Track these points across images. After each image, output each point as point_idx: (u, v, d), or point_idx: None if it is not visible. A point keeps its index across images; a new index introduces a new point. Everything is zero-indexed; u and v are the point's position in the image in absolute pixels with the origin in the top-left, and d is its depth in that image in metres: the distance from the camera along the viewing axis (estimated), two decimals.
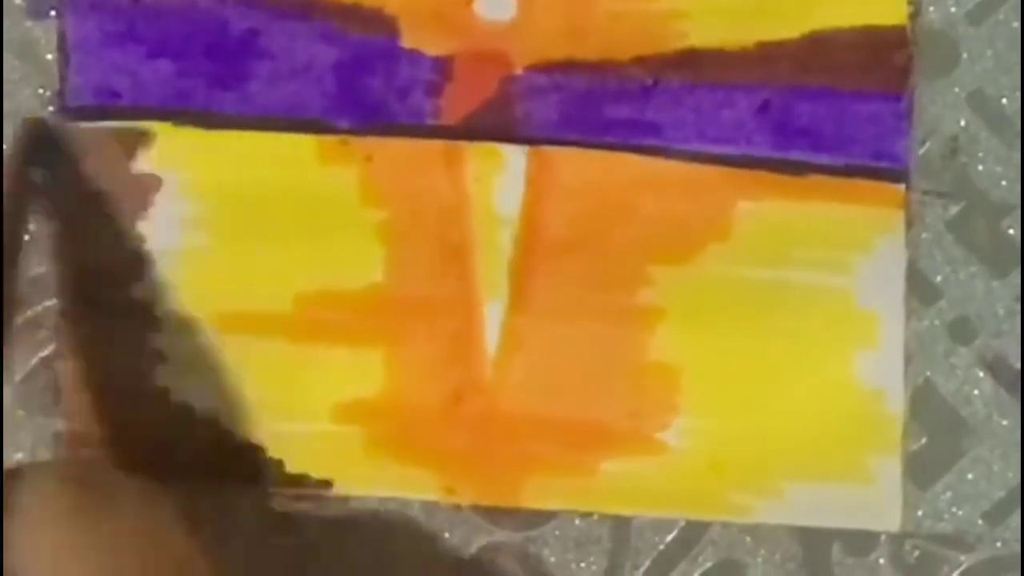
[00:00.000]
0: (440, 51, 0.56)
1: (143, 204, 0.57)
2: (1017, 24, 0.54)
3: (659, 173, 0.55)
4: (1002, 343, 0.54)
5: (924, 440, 0.54)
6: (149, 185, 0.57)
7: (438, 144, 0.56)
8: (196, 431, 0.57)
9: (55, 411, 0.57)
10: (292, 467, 0.56)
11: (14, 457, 0.57)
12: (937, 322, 0.54)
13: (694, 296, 0.55)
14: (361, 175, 0.56)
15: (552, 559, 0.56)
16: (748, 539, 0.55)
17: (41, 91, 0.57)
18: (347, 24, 0.56)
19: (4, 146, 0.57)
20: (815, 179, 0.54)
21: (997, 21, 0.54)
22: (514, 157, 0.55)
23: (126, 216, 0.57)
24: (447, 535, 0.56)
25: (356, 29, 0.56)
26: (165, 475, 0.56)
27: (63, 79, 0.57)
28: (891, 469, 0.54)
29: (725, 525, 0.55)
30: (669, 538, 0.55)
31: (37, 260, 0.57)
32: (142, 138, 0.57)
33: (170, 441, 0.57)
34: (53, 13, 0.57)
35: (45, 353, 0.57)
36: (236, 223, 0.56)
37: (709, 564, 0.55)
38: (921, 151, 0.54)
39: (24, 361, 0.57)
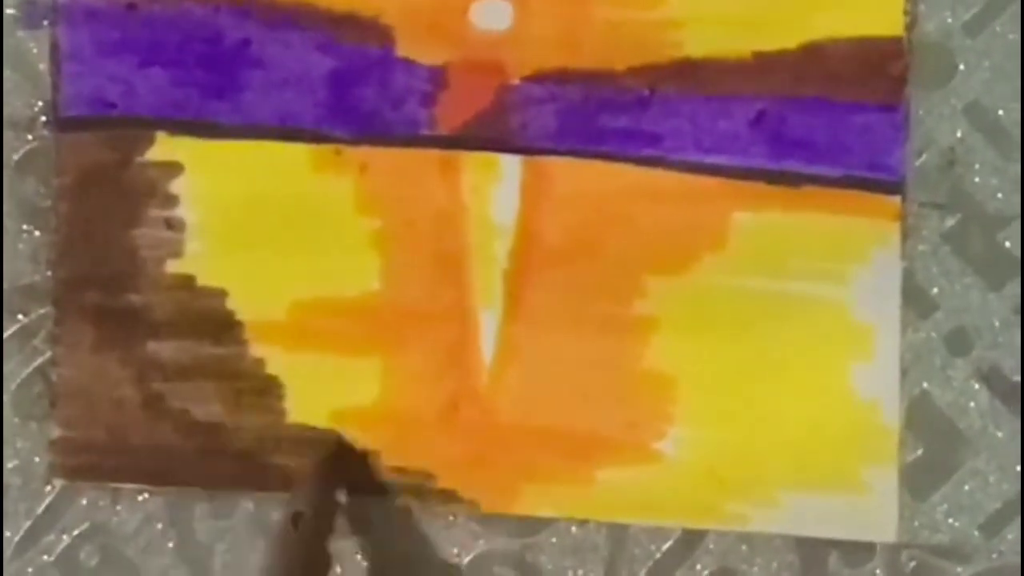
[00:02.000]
0: (435, 60, 0.55)
1: (137, 213, 0.57)
2: (1014, 36, 0.54)
3: (655, 183, 0.55)
4: (998, 355, 0.54)
5: (920, 451, 0.54)
6: (143, 194, 0.56)
7: (433, 153, 0.55)
8: (191, 438, 0.57)
9: (50, 418, 0.57)
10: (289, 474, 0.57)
11: (8, 464, 0.57)
12: (933, 334, 0.54)
13: (690, 306, 0.55)
14: (355, 184, 0.56)
15: (549, 566, 0.56)
16: (745, 548, 0.55)
17: (33, 102, 0.57)
18: (341, 33, 0.56)
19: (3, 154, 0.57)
20: (811, 190, 0.54)
21: (994, 32, 0.54)
22: (510, 167, 0.55)
23: (120, 224, 0.57)
24: (444, 542, 0.56)
25: (350, 38, 0.56)
26: (159, 482, 0.57)
27: (56, 89, 0.56)
28: (887, 480, 0.54)
29: (722, 534, 0.55)
30: (666, 546, 0.55)
31: (32, 268, 0.57)
32: (136, 147, 0.56)
33: (165, 448, 0.57)
34: (46, 23, 0.56)
35: (40, 361, 0.57)
36: (231, 232, 0.56)
37: (706, 573, 0.55)
38: (917, 162, 0.54)
39: (19, 369, 0.57)
